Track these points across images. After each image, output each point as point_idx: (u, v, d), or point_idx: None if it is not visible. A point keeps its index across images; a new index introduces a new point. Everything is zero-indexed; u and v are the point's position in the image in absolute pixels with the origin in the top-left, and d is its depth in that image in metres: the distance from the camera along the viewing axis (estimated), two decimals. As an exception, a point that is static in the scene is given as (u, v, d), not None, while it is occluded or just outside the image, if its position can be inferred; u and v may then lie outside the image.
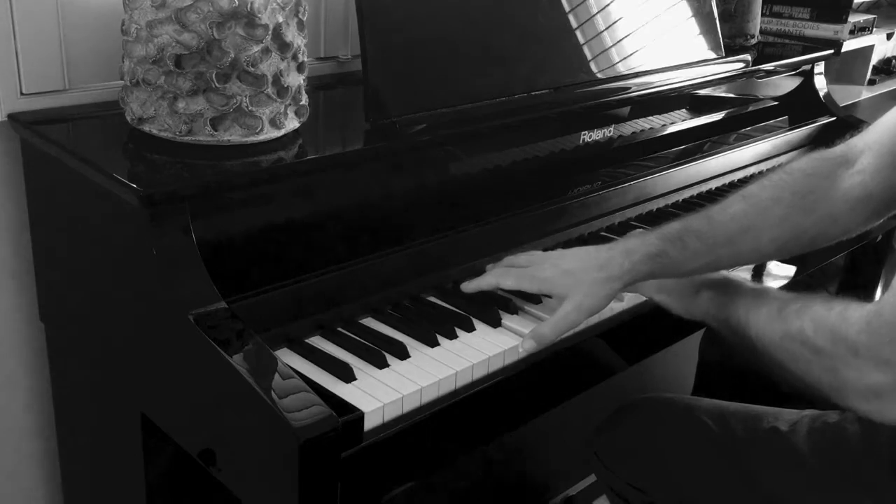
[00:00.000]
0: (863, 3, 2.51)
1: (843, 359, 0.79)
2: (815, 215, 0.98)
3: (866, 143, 0.99)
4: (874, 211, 0.99)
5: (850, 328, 0.79)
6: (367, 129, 1.06)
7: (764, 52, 1.69)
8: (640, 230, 1.22)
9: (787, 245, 1.00)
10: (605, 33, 1.32)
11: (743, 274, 1.21)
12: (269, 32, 0.94)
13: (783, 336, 0.87)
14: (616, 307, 1.08)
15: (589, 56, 1.29)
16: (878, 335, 0.77)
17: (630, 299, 1.10)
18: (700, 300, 1.02)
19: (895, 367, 0.76)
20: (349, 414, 0.81)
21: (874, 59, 2.50)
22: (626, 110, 1.37)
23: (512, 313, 1.03)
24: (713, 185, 1.46)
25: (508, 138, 1.20)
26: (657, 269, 0.99)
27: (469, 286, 1.05)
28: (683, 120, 1.51)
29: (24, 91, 1.05)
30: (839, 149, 1.01)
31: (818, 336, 0.82)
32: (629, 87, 1.34)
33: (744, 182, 1.51)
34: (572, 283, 0.97)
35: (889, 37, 2.48)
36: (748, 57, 1.57)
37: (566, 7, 1.27)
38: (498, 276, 1.03)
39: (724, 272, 1.05)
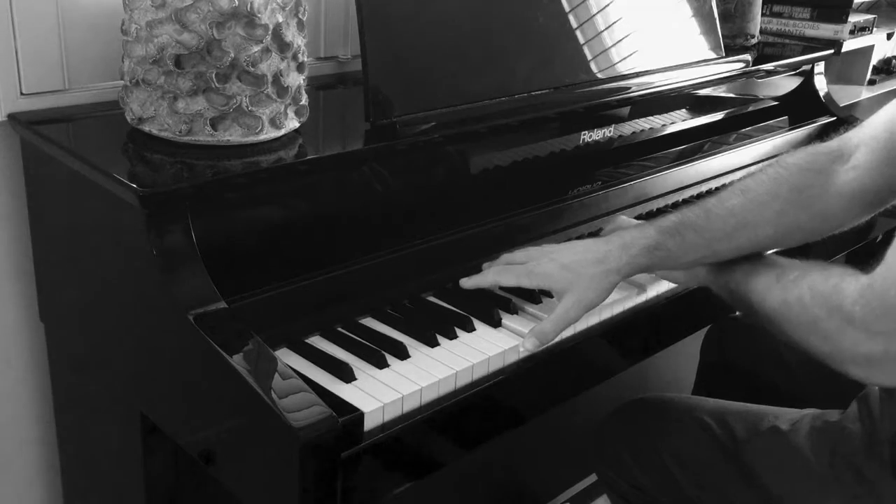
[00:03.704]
0: (863, 3, 2.51)
1: (839, 328, 0.83)
2: (811, 210, 0.99)
3: (861, 139, 0.99)
4: (868, 206, 1.00)
5: (845, 300, 0.82)
6: (367, 129, 1.06)
7: (764, 52, 1.68)
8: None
9: (784, 239, 1.02)
10: (605, 33, 1.32)
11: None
12: (269, 32, 0.94)
13: (782, 303, 0.90)
14: (617, 308, 1.08)
15: (589, 56, 1.29)
16: (870, 308, 0.80)
17: (628, 300, 1.10)
18: (700, 269, 1.04)
19: (886, 338, 0.79)
20: (349, 414, 0.81)
21: (874, 59, 2.50)
22: (626, 110, 1.36)
23: (512, 313, 1.03)
24: (713, 184, 1.46)
25: (508, 138, 1.20)
26: (655, 261, 1.00)
27: (468, 282, 1.05)
28: (683, 120, 1.51)
29: (24, 91, 1.05)
30: (834, 143, 1.02)
31: (815, 305, 0.85)
32: (629, 87, 1.34)
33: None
34: (571, 278, 0.98)
35: (889, 37, 2.48)
36: (748, 57, 1.57)
37: (566, 7, 1.27)
38: (497, 274, 1.03)
39: None
